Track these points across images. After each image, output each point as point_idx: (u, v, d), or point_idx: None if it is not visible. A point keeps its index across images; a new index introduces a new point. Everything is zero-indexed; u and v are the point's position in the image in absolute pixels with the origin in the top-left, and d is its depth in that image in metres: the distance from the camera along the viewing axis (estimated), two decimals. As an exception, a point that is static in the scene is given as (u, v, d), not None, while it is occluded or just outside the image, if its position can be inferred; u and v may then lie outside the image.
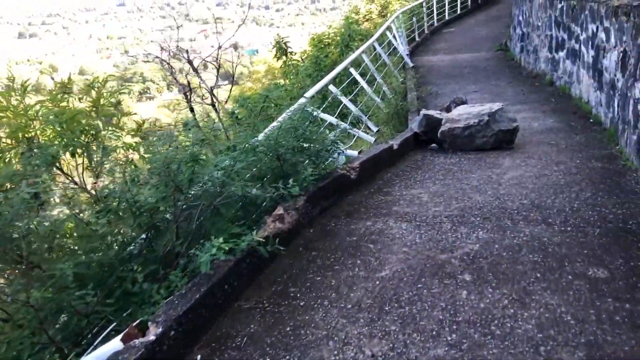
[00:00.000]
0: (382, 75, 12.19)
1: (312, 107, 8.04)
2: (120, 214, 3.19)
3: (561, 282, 3.28)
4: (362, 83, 10.38)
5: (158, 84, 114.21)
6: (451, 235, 4.09)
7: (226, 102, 8.64)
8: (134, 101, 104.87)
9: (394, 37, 14.96)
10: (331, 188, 4.91)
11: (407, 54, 16.18)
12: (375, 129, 9.43)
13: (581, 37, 9.14)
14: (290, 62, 12.42)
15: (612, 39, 7.21)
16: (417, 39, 18.82)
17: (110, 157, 3.74)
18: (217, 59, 7.93)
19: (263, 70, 24.98)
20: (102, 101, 4.71)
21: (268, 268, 3.70)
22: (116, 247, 3.21)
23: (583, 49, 9.02)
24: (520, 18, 13.91)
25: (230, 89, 9.09)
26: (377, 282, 3.45)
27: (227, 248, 3.03)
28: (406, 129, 7.83)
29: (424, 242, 4.01)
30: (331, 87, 9.22)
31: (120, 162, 3.66)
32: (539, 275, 3.38)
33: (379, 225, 4.41)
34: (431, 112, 7.37)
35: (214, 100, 7.62)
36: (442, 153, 7.00)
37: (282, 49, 12.56)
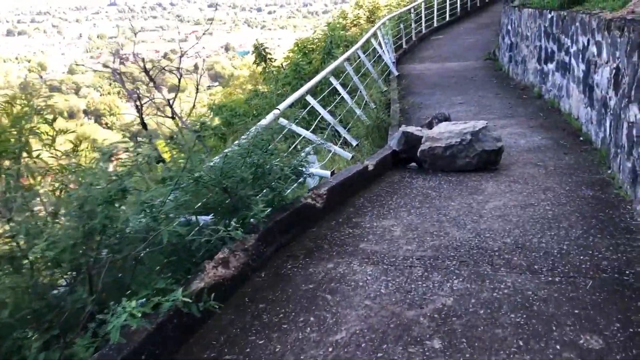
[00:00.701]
0: (365, 85, 11.67)
1: (286, 121, 7.51)
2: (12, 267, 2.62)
3: (547, 353, 2.75)
4: (343, 93, 9.84)
5: (147, 85, 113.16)
6: (422, 284, 3.54)
7: (191, 112, 8.06)
8: (124, 101, 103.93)
9: (380, 44, 14.45)
10: (292, 221, 4.35)
11: (393, 62, 15.67)
12: (355, 143, 8.89)
13: (571, 50, 8.66)
14: (270, 69, 11.86)
15: (604, 54, 6.72)
16: (404, 46, 18.34)
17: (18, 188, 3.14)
18: (178, 68, 7.34)
19: (247, 75, 24.34)
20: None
21: (203, 327, 3.13)
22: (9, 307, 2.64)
23: (573, 62, 8.55)
24: (509, 27, 13.45)
25: (172, 101, 8.46)
26: (330, 349, 2.89)
27: (139, 315, 2.47)
28: (386, 145, 7.30)
29: (390, 292, 3.46)
30: (308, 98, 8.68)
31: (26, 194, 3.07)
32: (521, 343, 2.84)
33: (342, 268, 3.86)
34: (411, 129, 6.84)
35: (175, 114, 7.04)
36: (422, 174, 6.47)
37: (261, 55, 12.00)
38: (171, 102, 7.77)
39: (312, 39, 15.58)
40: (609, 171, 6.06)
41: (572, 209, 4.76)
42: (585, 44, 7.78)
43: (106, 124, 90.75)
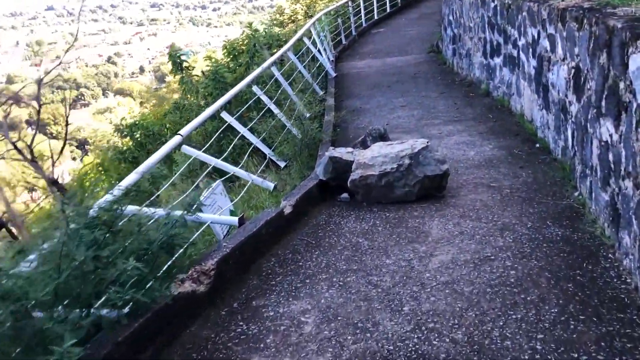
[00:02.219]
0: (298, 91, 10.46)
1: (192, 148, 6.25)
2: None
3: None
4: (269, 104, 8.60)
5: (93, 90, 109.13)
6: None
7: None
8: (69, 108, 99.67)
9: (314, 42, 13.25)
10: (152, 328, 3.08)
11: (332, 60, 14.51)
12: (282, 164, 7.68)
13: (519, 43, 7.65)
14: (188, 79, 10.54)
15: (559, 50, 5.69)
16: (343, 42, 17.21)
17: None
18: (37, 97, 5.98)
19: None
20: None
21: None
22: None
23: (522, 56, 7.54)
24: (451, 18, 12.45)
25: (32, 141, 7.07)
26: None
27: None
28: (312, 173, 6.11)
29: None
30: (224, 115, 7.42)
31: None
32: None
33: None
34: (339, 153, 5.66)
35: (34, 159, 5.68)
36: (354, 209, 5.31)
37: (176, 64, 10.65)
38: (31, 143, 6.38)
39: (243, 40, 14.25)
40: (576, 193, 5.03)
41: (540, 265, 3.66)
42: (536, 36, 6.76)
43: (51, 133, 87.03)
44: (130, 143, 10.09)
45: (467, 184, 5.77)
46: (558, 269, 3.58)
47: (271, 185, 6.31)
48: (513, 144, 7.07)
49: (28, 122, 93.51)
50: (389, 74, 12.91)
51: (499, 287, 3.41)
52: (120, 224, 2.89)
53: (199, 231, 4.55)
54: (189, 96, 10.81)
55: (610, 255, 3.67)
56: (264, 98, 8.59)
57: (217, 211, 5.34)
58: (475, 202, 5.16)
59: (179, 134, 6.16)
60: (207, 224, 4.92)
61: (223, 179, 6.27)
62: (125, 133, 9.88)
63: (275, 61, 10.19)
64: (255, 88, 8.60)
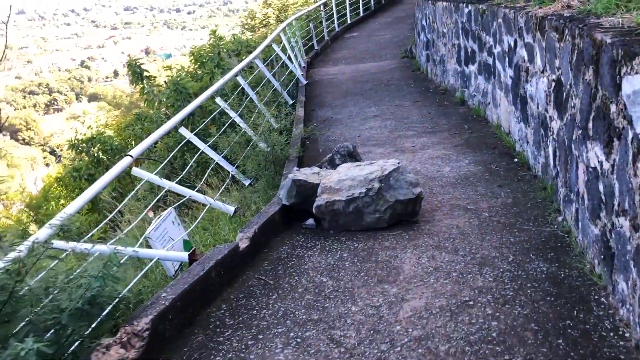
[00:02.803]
0: (266, 101, 9.96)
1: (142, 171, 5.73)
2: None
3: None
4: (234, 116, 8.08)
5: (66, 95, 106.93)
6: None
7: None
8: (41, 114, 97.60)
9: (284, 48, 12.76)
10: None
11: (304, 67, 14.05)
12: (247, 182, 7.17)
13: (495, 51, 7.26)
14: (149, 89, 9.96)
15: (538, 61, 5.29)
16: (315, 47, 16.74)
17: None
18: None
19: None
20: None
21: None
22: None
23: (498, 65, 7.15)
24: (424, 22, 12.06)
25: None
26: None
27: None
28: (275, 197, 5.61)
29: None
30: (182, 130, 6.90)
31: None
32: None
33: None
34: (303, 176, 5.18)
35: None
36: (320, 238, 4.83)
37: (136, 73, 10.06)
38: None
39: (209, 46, 13.70)
40: (560, 218, 4.62)
41: (525, 313, 3.21)
42: (512, 45, 6.38)
43: (24, 139, 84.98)
44: (86, 159, 9.45)
45: (442, 205, 5.33)
46: (545, 319, 3.13)
47: (231, 209, 5.80)
48: (490, 158, 6.67)
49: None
50: (362, 81, 12.48)
51: (479, 344, 2.95)
52: (25, 289, 2.36)
53: (143, 272, 4.03)
54: (149, 108, 10.23)
55: (603, 299, 3.25)
56: (229, 111, 8.09)
57: (168, 243, 4.84)
58: (452, 229, 4.71)
59: (129, 155, 5.65)
60: (154, 261, 4.42)
61: (178, 203, 5.76)
62: (80, 149, 9.24)
63: (241, 70, 9.70)
64: (218, 100, 8.09)
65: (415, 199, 4.86)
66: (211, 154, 7.05)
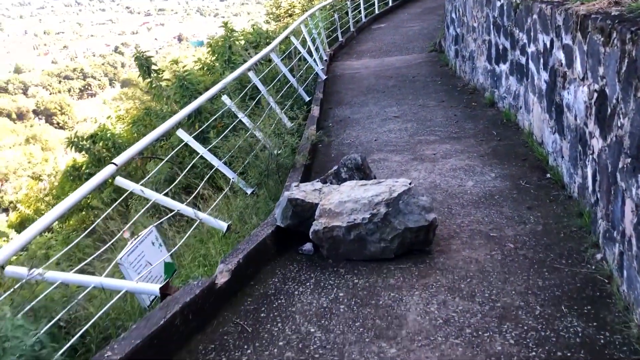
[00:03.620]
0: (280, 98, 9.35)
1: (127, 181, 5.18)
2: None
3: None
4: (241, 116, 7.47)
5: (100, 80, 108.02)
6: None
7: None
8: (75, 99, 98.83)
9: (304, 41, 12.10)
10: None
11: (326, 60, 13.37)
12: (249, 191, 6.56)
13: (528, 50, 6.50)
14: (157, 83, 9.42)
15: (578, 67, 4.54)
16: (340, 38, 16.00)
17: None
18: None
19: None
20: None
21: None
22: None
23: (532, 66, 6.39)
24: (454, 15, 11.24)
25: None
26: None
27: None
28: (269, 217, 4.99)
29: None
30: (179, 133, 6.33)
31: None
32: None
33: None
34: (302, 193, 4.55)
35: None
36: (316, 269, 4.20)
37: (143, 67, 9.51)
38: None
39: (221, 39, 13.11)
40: (599, 256, 3.89)
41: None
42: (548, 45, 5.61)
43: (58, 123, 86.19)
44: (86, 157, 8.95)
45: (461, 231, 4.64)
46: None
47: (224, 226, 5.20)
48: (519, 172, 5.94)
49: (35, 112, 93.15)
50: (385, 76, 11.76)
51: None
52: None
53: (103, 310, 3.46)
54: (155, 103, 9.69)
55: (654, 384, 2.56)
56: (235, 109, 7.49)
57: (145, 268, 4.27)
58: (470, 264, 4.03)
59: (114, 163, 5.10)
60: (122, 293, 3.85)
61: (162, 220, 5.18)
62: (80, 146, 8.74)
63: (253, 65, 9.09)
64: (224, 98, 7.49)
65: (428, 226, 4.18)
66: (210, 158, 6.45)
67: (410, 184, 4.30)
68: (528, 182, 5.64)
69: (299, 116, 8.39)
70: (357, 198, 4.23)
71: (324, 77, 11.53)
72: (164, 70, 9.77)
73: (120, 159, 5.15)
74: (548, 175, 5.70)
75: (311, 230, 4.26)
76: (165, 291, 3.79)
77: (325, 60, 13.32)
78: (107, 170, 5.00)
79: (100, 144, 8.83)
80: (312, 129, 7.96)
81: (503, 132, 7.32)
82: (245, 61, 9.59)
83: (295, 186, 4.69)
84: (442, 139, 7.43)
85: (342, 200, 4.26)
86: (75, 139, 8.84)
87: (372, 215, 4.11)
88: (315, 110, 9.12)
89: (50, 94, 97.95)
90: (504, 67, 7.78)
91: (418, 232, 4.16)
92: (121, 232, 4.36)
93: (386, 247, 4.15)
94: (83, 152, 8.88)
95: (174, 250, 4.66)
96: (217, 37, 13.39)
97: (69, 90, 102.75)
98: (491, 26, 8.27)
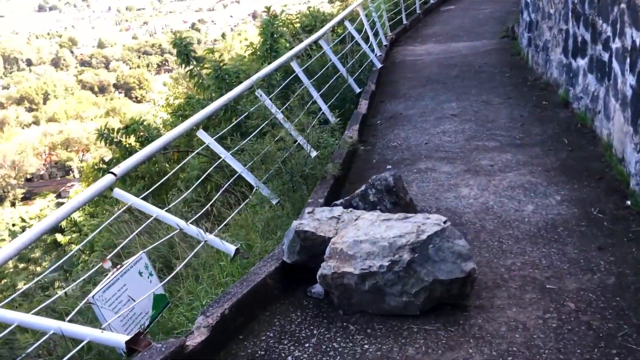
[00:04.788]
0: (327, 88, 8.55)
1: (123, 193, 4.59)
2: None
3: None
4: (276, 113, 6.72)
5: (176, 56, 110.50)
6: None
7: None
8: (153, 74, 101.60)
9: (360, 24, 11.18)
10: None
11: (386, 45, 12.38)
12: (275, 201, 5.83)
13: (613, 45, 5.39)
14: (197, 72, 8.78)
15: (677, 76, 3.48)
16: (404, 21, 14.88)
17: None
18: None
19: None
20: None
21: None
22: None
23: (615, 65, 5.29)
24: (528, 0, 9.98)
25: None
26: None
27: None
28: (277, 247, 4.24)
29: None
30: (200, 134, 5.67)
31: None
32: None
33: None
34: (314, 224, 3.77)
35: None
36: (322, 324, 3.43)
37: (183, 55, 8.90)
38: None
39: (284, 20, 12.36)
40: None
41: None
42: (638, 43, 4.52)
43: (136, 97, 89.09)
44: (117, 152, 8.46)
45: (510, 278, 3.74)
46: None
47: (231, 249, 4.51)
48: (592, 195, 4.91)
49: (115, 86, 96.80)
50: (449, 64, 10.68)
51: None
52: None
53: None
54: (197, 92, 9.10)
55: None
56: (269, 103, 6.74)
57: (127, 305, 3.65)
58: (514, 333, 3.14)
59: (112, 173, 4.51)
60: (85, 343, 3.23)
61: (158, 243, 4.55)
62: (110, 139, 8.20)
63: (296, 54, 8.30)
64: (260, 92, 6.76)
65: (464, 278, 3.31)
66: (234, 163, 5.76)
67: (445, 222, 3.43)
68: (602, 210, 4.62)
69: (337, 115, 7.54)
70: (376, 238, 3.41)
71: (379, 65, 10.57)
72: (204, 58, 9.13)
73: (120, 168, 4.55)
74: (628, 202, 4.66)
75: (319, 273, 3.49)
76: (133, 345, 3.13)
77: (386, 45, 12.32)
78: (105, 180, 4.42)
79: (132, 137, 8.30)
80: (355, 129, 7.11)
81: (576, 140, 6.24)
82: (292, 48, 8.82)
83: (309, 213, 3.92)
84: (503, 145, 6.43)
85: (357, 239, 3.45)
86: (106, 131, 8.36)
87: (392, 262, 3.28)
88: (363, 105, 8.25)
89: (130, 68, 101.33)
90: (582, 63, 6.64)
91: (451, 285, 3.30)
92: (100, 263, 3.74)
93: (410, 302, 3.32)
94: (113, 146, 8.41)
95: (167, 280, 4.00)
96: (273, 17, 12.67)
97: (147, 65, 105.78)
98: (570, 13, 7.09)
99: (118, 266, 3.78)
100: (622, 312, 3.25)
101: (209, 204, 5.15)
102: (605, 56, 5.66)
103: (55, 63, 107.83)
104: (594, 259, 3.88)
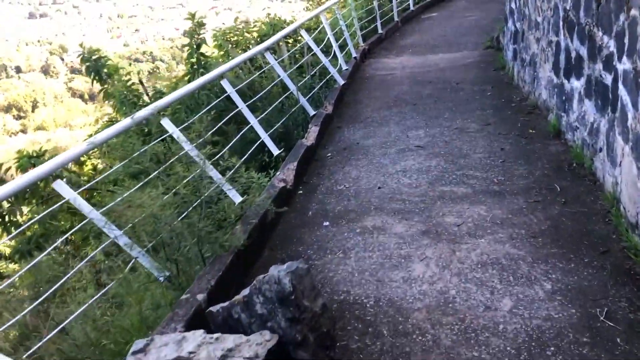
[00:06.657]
0: (274, 109, 7.07)
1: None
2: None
3: None
4: (187, 148, 5.16)
5: (167, 63, 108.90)
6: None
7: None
8: (145, 80, 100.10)
9: (321, 35, 9.72)
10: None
11: (355, 57, 10.85)
12: (161, 278, 4.26)
13: (618, 66, 3.93)
14: (120, 91, 7.27)
15: None
16: (379, 30, 13.36)
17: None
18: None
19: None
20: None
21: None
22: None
23: (623, 92, 3.83)
24: (513, 5, 8.51)
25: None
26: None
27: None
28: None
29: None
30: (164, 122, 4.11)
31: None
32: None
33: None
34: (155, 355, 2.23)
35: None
36: None
37: (91, 71, 7.31)
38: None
39: (235, 28, 10.94)
40: None
41: None
42: (659, 67, 3.03)
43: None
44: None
45: None
46: None
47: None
48: (596, 283, 3.44)
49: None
50: (423, 81, 9.19)
51: None
52: None
53: None
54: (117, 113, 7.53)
55: None
56: (187, 146, 5.19)
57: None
58: None
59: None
60: None
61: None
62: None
63: (233, 68, 6.82)
64: (165, 122, 5.22)
65: None
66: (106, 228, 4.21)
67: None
68: (611, 311, 3.14)
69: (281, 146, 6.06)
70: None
71: (342, 81, 9.05)
72: (120, 69, 7.56)
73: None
74: (646, 295, 3.17)
75: None
76: None
77: (355, 57, 10.79)
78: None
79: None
80: (291, 168, 5.57)
81: (571, 188, 4.76)
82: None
83: (136, 352, 2.37)
84: (477, 193, 4.93)
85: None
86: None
87: None
88: (312, 134, 6.73)
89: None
90: (577, 84, 5.17)
91: None
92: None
93: None
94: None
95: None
96: (227, 27, 11.23)
97: (138, 73, 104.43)
98: (560, 22, 5.63)
99: None
100: None
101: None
102: (608, 79, 4.20)
103: (45, 70, 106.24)
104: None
